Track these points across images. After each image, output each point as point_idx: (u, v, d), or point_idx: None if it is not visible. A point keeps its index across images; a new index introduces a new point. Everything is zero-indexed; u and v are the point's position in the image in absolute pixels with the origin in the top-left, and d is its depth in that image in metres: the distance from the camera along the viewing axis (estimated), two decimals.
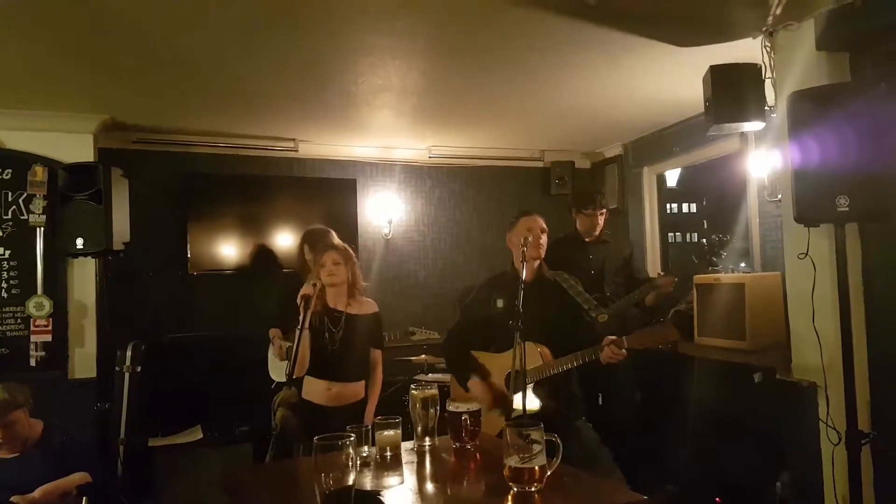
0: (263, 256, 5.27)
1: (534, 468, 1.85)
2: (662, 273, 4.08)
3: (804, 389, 2.96)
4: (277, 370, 4.34)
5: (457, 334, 3.35)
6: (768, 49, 3.11)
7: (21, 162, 4.32)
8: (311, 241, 4.19)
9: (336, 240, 3.78)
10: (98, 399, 4.17)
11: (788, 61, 3.00)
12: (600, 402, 4.32)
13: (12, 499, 2.86)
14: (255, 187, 5.35)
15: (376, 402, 3.43)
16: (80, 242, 4.06)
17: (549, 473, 1.89)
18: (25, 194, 4.32)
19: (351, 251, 3.42)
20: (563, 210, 5.01)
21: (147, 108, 4.50)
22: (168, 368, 4.58)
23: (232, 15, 3.01)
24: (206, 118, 4.78)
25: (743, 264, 4.60)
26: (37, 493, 2.92)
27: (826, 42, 2.86)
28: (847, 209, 2.44)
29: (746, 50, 3.22)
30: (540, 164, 6.24)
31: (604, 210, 4.44)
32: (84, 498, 2.99)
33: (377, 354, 3.49)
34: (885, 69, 2.78)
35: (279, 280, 4.87)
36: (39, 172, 4.30)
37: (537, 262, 3.14)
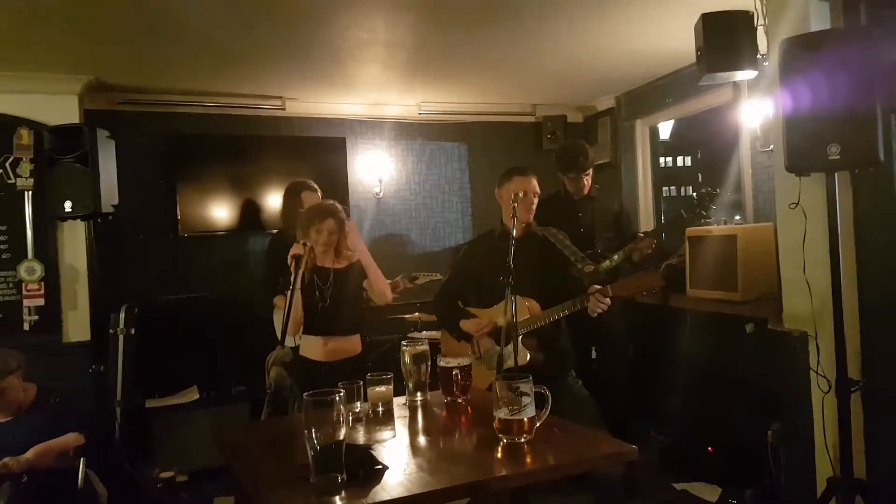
0: (253, 217, 5.24)
1: (523, 420, 1.87)
2: (643, 234, 4.05)
3: (795, 339, 2.97)
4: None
5: (447, 290, 3.36)
6: None
7: (6, 125, 4.25)
8: (296, 194, 4.24)
9: (320, 197, 3.77)
10: (93, 362, 4.18)
11: (781, 8, 2.94)
12: (593, 357, 4.37)
13: (6, 460, 2.88)
14: (244, 147, 5.28)
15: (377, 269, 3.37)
16: (68, 205, 4.01)
17: (538, 425, 1.91)
18: (12, 158, 4.26)
19: (344, 215, 3.40)
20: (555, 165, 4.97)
21: (132, 69, 4.41)
22: (162, 330, 4.59)
23: None
24: (191, 77, 4.68)
25: (738, 217, 4.60)
26: (30, 453, 2.94)
27: None
28: (838, 157, 2.42)
29: None
30: (532, 119, 6.17)
31: (589, 170, 4.40)
32: (81, 459, 3.02)
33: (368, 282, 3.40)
34: (878, 15, 2.73)
35: (267, 241, 4.84)
36: (25, 135, 4.24)
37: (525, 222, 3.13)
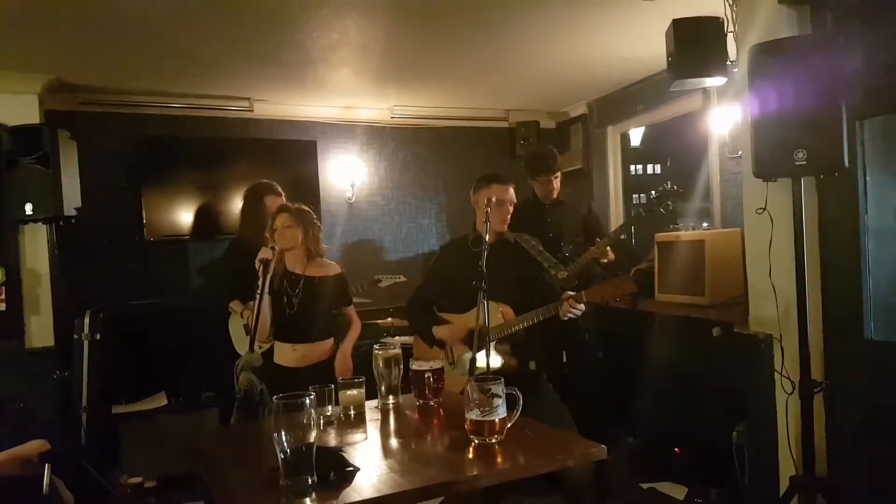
0: (221, 221, 5.15)
1: (494, 420, 1.87)
2: (599, 240, 4.06)
3: (761, 342, 3.03)
4: (242, 343, 4.30)
5: (419, 296, 3.35)
6: (731, 2, 3.10)
7: None
8: (256, 197, 4.13)
9: (284, 201, 3.72)
10: (57, 368, 4.08)
11: (751, 15, 3.00)
12: (564, 360, 4.39)
13: None
14: (211, 149, 5.19)
15: (349, 355, 3.42)
16: (29, 208, 3.92)
17: (509, 426, 1.91)
18: None
19: (308, 211, 3.36)
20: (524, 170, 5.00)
21: (94, 68, 4.31)
22: (129, 335, 4.49)
23: None
24: (156, 78, 4.60)
25: (705, 224, 4.66)
26: None
27: None
28: (804, 163, 2.47)
29: (710, 4, 3.19)
30: (505, 125, 6.19)
31: (558, 174, 4.44)
32: (47, 465, 2.94)
33: (350, 310, 3.52)
34: (844, 23, 2.79)
35: (229, 247, 4.77)
36: None
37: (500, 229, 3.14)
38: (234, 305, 4.07)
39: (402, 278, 5.14)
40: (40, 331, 4.26)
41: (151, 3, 3.26)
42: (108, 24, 3.51)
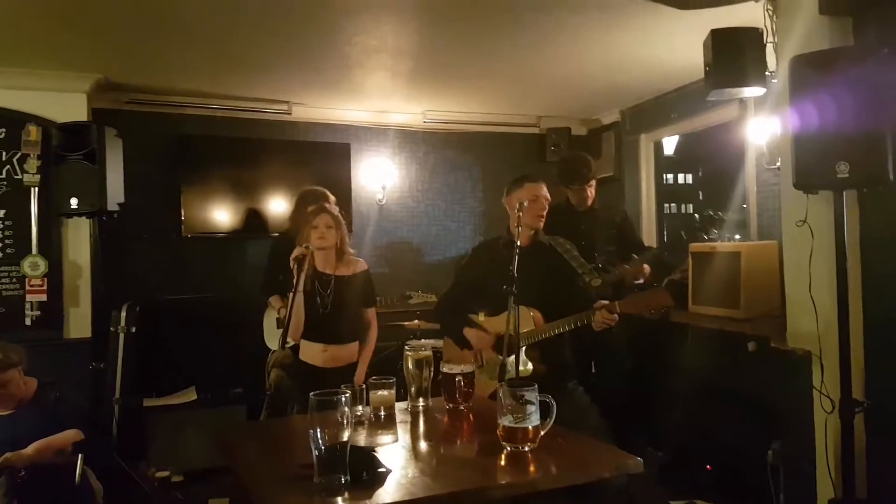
0: (256, 220, 5.23)
1: (527, 428, 1.86)
2: (636, 256, 4.01)
3: (799, 358, 2.96)
4: (274, 337, 4.35)
5: (450, 297, 3.35)
6: (770, 13, 3.06)
7: (15, 121, 4.26)
8: (310, 201, 4.16)
9: (330, 204, 3.76)
10: (93, 359, 4.18)
11: (790, 25, 2.95)
12: (593, 370, 4.35)
13: (7, 455, 2.87)
14: (249, 150, 5.30)
15: (367, 363, 3.44)
16: (74, 202, 4.04)
17: (542, 434, 1.90)
18: (19, 154, 4.27)
19: (340, 216, 3.41)
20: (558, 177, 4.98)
21: (140, 69, 4.43)
22: (163, 329, 4.59)
23: None
24: (199, 79, 4.71)
25: (738, 236, 4.59)
26: (30, 448, 2.93)
27: (829, 6, 2.80)
28: (847, 175, 2.43)
29: (748, 13, 3.17)
30: (536, 131, 6.18)
31: (592, 182, 4.40)
32: (80, 455, 3.00)
33: (370, 313, 3.50)
34: (887, 34, 2.73)
35: (269, 244, 4.83)
36: (33, 132, 4.25)
37: (533, 231, 3.13)
38: (274, 301, 4.13)
39: (434, 297, 5.08)
40: (78, 322, 4.36)
41: (197, 8, 3.34)
42: (157, 27, 3.62)
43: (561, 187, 4.47)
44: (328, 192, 4.23)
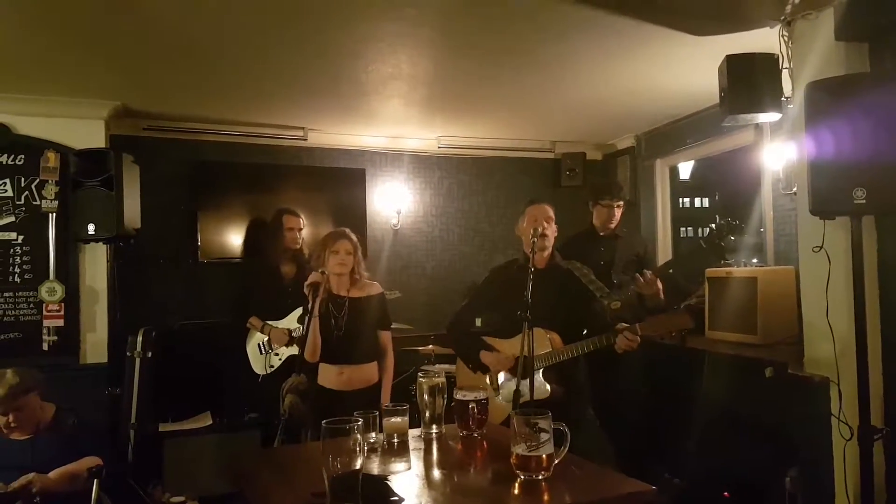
0: (271, 244, 5.25)
1: (541, 456, 1.84)
2: (648, 272, 3.98)
3: (816, 384, 2.93)
4: (259, 363, 4.38)
5: (462, 319, 3.35)
6: (786, 39, 3.07)
7: (34, 148, 4.34)
8: (277, 220, 4.56)
9: (345, 230, 3.81)
10: (109, 384, 4.20)
11: (806, 51, 2.96)
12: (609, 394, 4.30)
13: (31, 476, 2.88)
14: (265, 176, 5.36)
15: (391, 385, 3.45)
16: (91, 228, 4.08)
17: (556, 462, 1.88)
18: (38, 180, 4.34)
19: (358, 242, 3.46)
20: (573, 202, 4.98)
21: (158, 96, 4.51)
22: (179, 355, 4.60)
23: (242, 2, 3.00)
24: (215, 106, 4.78)
25: (755, 260, 4.56)
26: (53, 473, 2.95)
27: (845, 32, 2.82)
28: (864, 202, 2.41)
29: (763, 39, 3.18)
30: (551, 156, 6.20)
31: (621, 202, 4.40)
32: (95, 481, 3.01)
33: (385, 336, 3.52)
34: None
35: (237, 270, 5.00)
36: (52, 158, 4.32)
37: (547, 252, 3.13)
38: (254, 321, 4.26)
39: (397, 293, 5.05)
40: (95, 347, 4.39)
41: (214, 35, 3.40)
42: (174, 56, 3.69)
43: (589, 206, 4.47)
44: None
